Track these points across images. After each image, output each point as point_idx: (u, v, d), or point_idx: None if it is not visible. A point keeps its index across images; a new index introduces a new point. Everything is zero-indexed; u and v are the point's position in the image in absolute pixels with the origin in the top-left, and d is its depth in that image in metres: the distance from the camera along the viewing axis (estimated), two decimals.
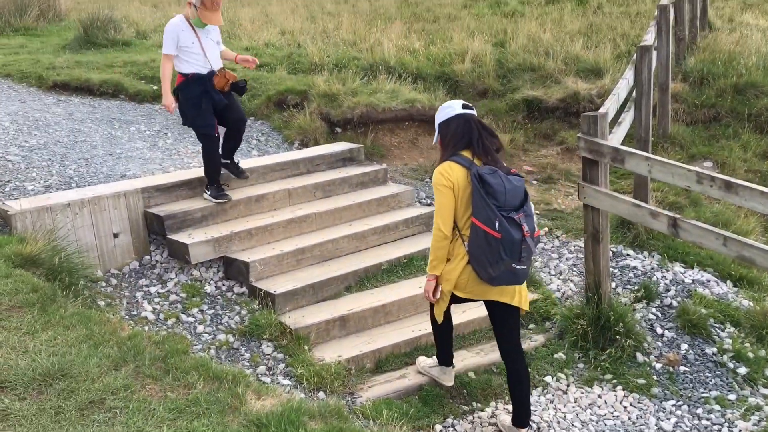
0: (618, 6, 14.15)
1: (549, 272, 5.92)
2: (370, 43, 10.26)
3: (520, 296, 4.03)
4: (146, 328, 4.64)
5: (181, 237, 5.25)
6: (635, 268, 5.87)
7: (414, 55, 9.89)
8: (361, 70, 9.20)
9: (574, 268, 5.97)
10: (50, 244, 4.30)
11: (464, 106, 4.00)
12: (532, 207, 3.96)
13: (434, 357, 4.61)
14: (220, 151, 5.67)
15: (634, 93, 6.54)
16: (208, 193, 5.62)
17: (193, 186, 5.72)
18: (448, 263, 4.00)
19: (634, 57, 6.48)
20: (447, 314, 4.33)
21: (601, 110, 5.21)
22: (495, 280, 3.84)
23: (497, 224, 3.71)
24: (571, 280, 5.78)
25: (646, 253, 6.10)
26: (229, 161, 5.80)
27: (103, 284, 5.08)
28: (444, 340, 4.45)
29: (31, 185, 5.74)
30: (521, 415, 4.17)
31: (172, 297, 5.07)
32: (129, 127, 7.74)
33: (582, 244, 6.35)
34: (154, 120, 8.09)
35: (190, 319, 4.89)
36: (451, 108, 4.00)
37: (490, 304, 4.08)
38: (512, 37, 10.70)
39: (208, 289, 5.21)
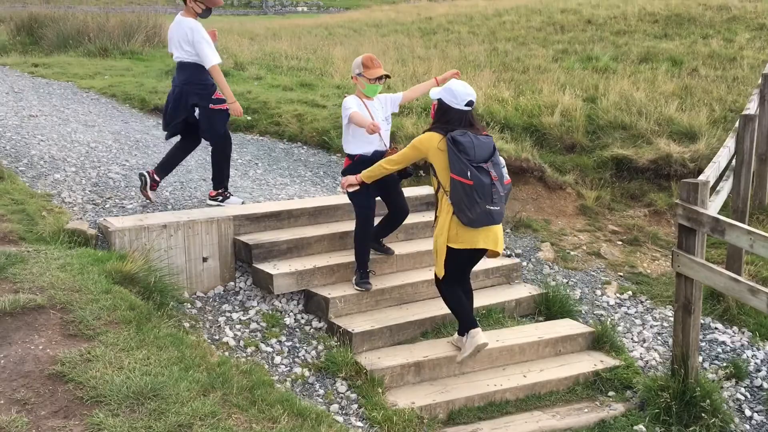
0: (714, 69, 13.86)
1: (632, 338, 5.75)
2: None
3: (500, 241, 4.77)
4: (227, 353, 4.73)
5: (267, 267, 5.36)
6: (724, 343, 5.64)
7: (503, 105, 9.91)
8: None
9: (659, 337, 5.78)
10: (147, 264, 4.45)
11: (468, 104, 4.68)
12: (501, 159, 4.71)
13: (456, 335, 5.10)
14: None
15: (733, 162, 6.35)
16: (354, 278, 5.43)
17: (281, 218, 5.84)
18: (438, 219, 4.74)
19: (736, 125, 6.32)
20: (459, 282, 4.94)
21: (702, 177, 5.08)
22: (474, 222, 4.53)
23: (469, 173, 4.46)
24: (656, 350, 5.60)
25: (735, 328, 5.86)
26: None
27: (189, 306, 5.21)
28: (461, 305, 4.93)
29: (130, 204, 5.98)
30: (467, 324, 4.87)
31: (253, 325, 5.16)
32: None
33: (669, 313, 6.17)
34: (246, 150, 8.33)
35: (269, 349, 4.96)
36: (457, 99, 4.66)
37: (474, 253, 4.76)
38: (604, 94, 10.60)
39: (288, 320, 5.28)
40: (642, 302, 6.40)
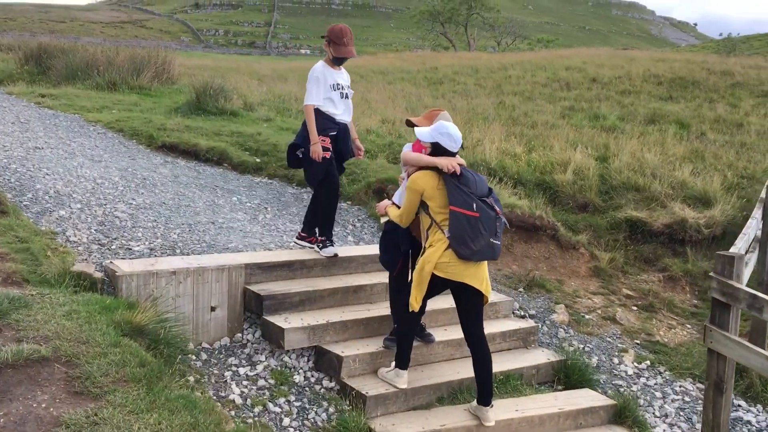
0: (722, 134, 13.87)
1: (654, 413, 5.51)
2: (471, 142, 10.24)
3: (487, 285, 4.66)
4: (233, 413, 4.46)
5: (278, 320, 5.12)
6: (749, 422, 5.40)
7: (515, 160, 9.81)
8: None
9: (682, 413, 5.54)
10: (158, 316, 4.21)
11: (461, 146, 4.76)
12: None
13: (392, 363, 5.00)
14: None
15: (757, 232, 6.21)
16: (387, 369, 5.02)
17: (294, 268, 5.62)
18: (429, 248, 4.60)
19: (762, 195, 6.19)
20: (421, 309, 4.80)
21: (734, 249, 4.92)
22: (477, 254, 4.47)
23: (474, 206, 4.45)
24: (679, 426, 5.35)
25: (760, 406, 5.63)
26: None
27: (194, 358, 4.95)
28: (409, 339, 4.89)
29: (137, 245, 5.76)
30: (485, 394, 4.72)
31: (261, 382, 4.90)
32: (231, 196, 7.81)
33: (689, 386, 5.95)
34: (255, 193, 8.15)
35: (277, 409, 4.69)
36: (455, 143, 4.67)
37: (460, 290, 4.64)
38: (615, 154, 10.52)
39: (297, 378, 5.02)
40: (661, 373, 6.18)
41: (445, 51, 49.34)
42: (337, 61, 5.66)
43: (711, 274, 4.63)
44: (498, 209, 4.59)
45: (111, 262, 5.12)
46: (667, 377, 6.15)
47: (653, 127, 14.29)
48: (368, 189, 8.37)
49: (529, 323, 6.02)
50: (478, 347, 4.74)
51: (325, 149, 5.54)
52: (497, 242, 4.54)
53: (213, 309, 5.20)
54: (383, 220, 5.16)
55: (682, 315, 7.33)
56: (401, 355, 4.92)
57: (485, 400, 4.72)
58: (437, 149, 4.71)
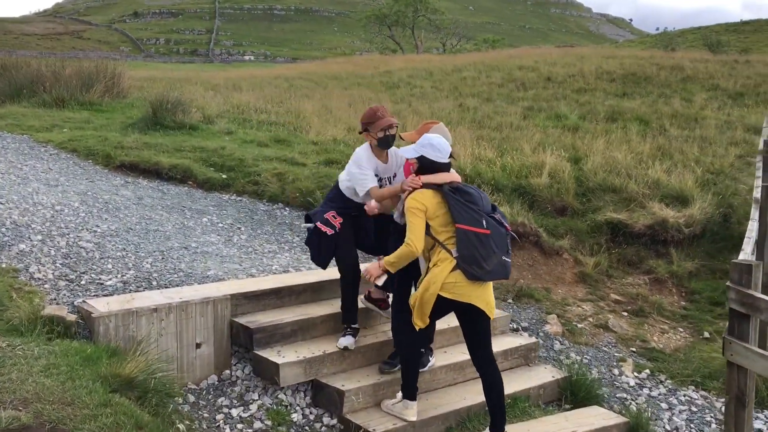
0: (682, 129, 13.96)
1: (664, 426, 5.32)
2: None
3: (492, 305, 4.39)
4: None
5: (271, 355, 4.75)
6: (760, 431, 5.26)
7: (489, 165, 9.59)
8: None
9: (692, 425, 5.37)
10: (148, 366, 3.80)
11: (450, 155, 4.49)
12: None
13: (398, 394, 4.69)
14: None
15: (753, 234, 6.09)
16: (393, 401, 4.71)
17: (282, 295, 5.26)
18: (433, 268, 4.31)
19: (756, 195, 6.09)
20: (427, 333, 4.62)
21: (742, 256, 4.76)
22: (490, 274, 4.22)
23: (484, 223, 4.22)
24: None
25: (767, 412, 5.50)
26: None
27: (180, 401, 4.55)
28: (414, 366, 4.59)
29: (109, 279, 5.31)
30: (498, 419, 4.43)
31: (257, 424, 4.53)
32: (201, 217, 7.38)
33: (693, 395, 5.80)
34: (226, 212, 7.74)
35: None
36: (441, 153, 4.41)
37: (466, 312, 4.36)
38: (587, 155, 10.42)
39: (296, 417, 4.66)
40: (662, 382, 6.01)
41: (393, 54, 49.26)
42: (383, 144, 4.85)
43: (728, 284, 4.45)
44: (507, 225, 4.40)
45: (84, 302, 4.68)
46: (670, 386, 5.98)
47: (614, 125, 14.30)
48: None
49: (530, 339, 5.78)
50: (489, 371, 4.49)
51: (330, 225, 4.95)
52: (509, 260, 4.32)
53: (198, 346, 4.80)
54: (379, 281, 4.82)
55: (673, 318, 7.21)
56: (407, 383, 4.60)
57: (500, 427, 4.45)
58: (425, 164, 4.44)
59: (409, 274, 4.72)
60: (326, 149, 10.05)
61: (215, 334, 4.87)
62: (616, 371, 6.10)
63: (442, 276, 4.26)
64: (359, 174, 4.88)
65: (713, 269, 7.97)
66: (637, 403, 5.56)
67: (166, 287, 5.26)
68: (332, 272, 5.68)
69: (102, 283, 5.22)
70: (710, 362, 6.20)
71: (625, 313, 7.19)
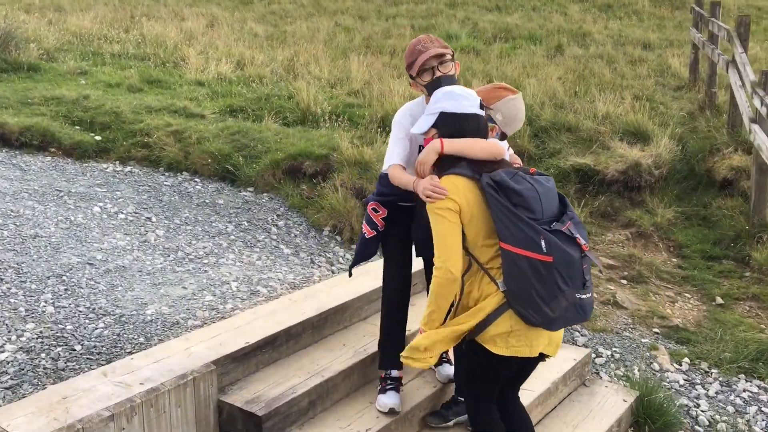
0: (578, 47, 13.19)
1: None
2: (374, 94, 8.26)
3: (559, 344, 2.97)
4: None
5: None
6: None
7: None
8: (369, 123, 7.32)
9: None
10: None
11: (481, 105, 2.99)
12: (575, 211, 2.89)
13: None
14: None
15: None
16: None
17: (279, 345, 3.61)
18: (459, 305, 2.88)
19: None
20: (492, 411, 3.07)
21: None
22: (556, 322, 2.75)
23: (543, 244, 2.67)
24: None
25: None
26: None
27: None
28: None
29: None
30: None
31: None
32: (90, 206, 5.36)
33: (754, 389, 4.94)
34: (120, 193, 5.73)
35: None
36: (458, 103, 2.92)
37: (524, 363, 2.93)
38: (518, 85, 9.22)
39: None
40: (708, 373, 5.10)
41: None
42: (431, 87, 3.11)
43: None
44: (582, 241, 2.77)
45: None
46: (719, 378, 5.06)
47: (508, 45, 13.27)
48: (276, 169, 6.26)
49: (582, 350, 4.57)
50: (521, 419, 3.21)
51: (371, 225, 3.40)
52: (586, 296, 2.77)
53: None
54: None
55: (674, 281, 6.34)
56: None
57: None
58: (449, 126, 2.89)
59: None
60: (221, 92, 8.06)
61: (198, 426, 3.17)
62: (655, 365, 5.11)
63: (482, 315, 2.77)
64: (390, 141, 3.29)
65: (688, 215, 7.20)
66: (708, 415, 4.59)
67: (94, 352, 3.42)
68: (334, 293, 4.07)
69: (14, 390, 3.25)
70: (747, 342, 5.38)
71: (625, 281, 6.22)
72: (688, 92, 10.23)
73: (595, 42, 13.76)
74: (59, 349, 3.41)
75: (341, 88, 8.39)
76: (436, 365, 3.73)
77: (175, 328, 3.70)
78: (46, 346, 3.41)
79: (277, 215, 5.81)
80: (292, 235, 5.58)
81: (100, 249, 4.65)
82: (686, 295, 6.18)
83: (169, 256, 4.74)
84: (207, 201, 5.85)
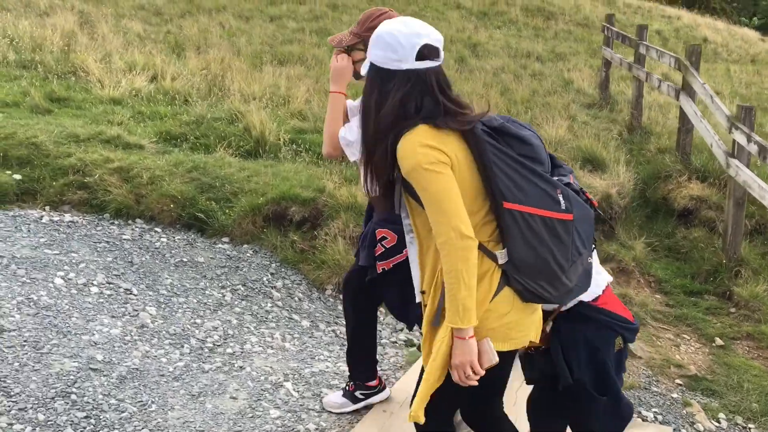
0: (477, 59, 13.05)
1: None
2: (299, 105, 7.45)
3: (540, 326, 2.47)
4: None
5: None
6: None
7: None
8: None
9: None
10: None
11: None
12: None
13: None
14: None
15: None
16: None
17: None
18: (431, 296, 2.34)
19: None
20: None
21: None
22: (571, 294, 2.36)
23: (561, 199, 2.23)
24: None
25: None
26: None
27: None
28: None
29: None
30: None
31: None
32: (49, 278, 4.21)
33: None
34: (76, 254, 4.58)
35: None
36: (400, 48, 2.16)
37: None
38: None
39: None
40: (745, 428, 4.96)
41: None
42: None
43: None
44: (587, 194, 2.43)
45: None
46: (743, 426, 4.96)
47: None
48: (256, 216, 5.34)
49: (665, 428, 4.18)
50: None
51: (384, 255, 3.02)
52: (591, 261, 2.43)
53: None
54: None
55: (667, 322, 6.21)
56: None
57: None
58: (381, 73, 2.20)
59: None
60: (147, 114, 6.89)
61: None
62: (699, 426, 4.88)
63: (482, 308, 2.20)
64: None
65: (654, 247, 7.16)
66: None
67: None
68: None
69: None
70: (766, 389, 5.32)
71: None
72: (601, 111, 10.38)
73: (489, 53, 13.77)
74: None
75: (285, 109, 7.50)
76: None
77: None
78: None
79: (271, 274, 4.94)
80: (296, 299, 4.76)
81: (92, 343, 3.60)
82: (685, 336, 6.06)
83: (182, 346, 3.78)
84: (185, 260, 4.84)
